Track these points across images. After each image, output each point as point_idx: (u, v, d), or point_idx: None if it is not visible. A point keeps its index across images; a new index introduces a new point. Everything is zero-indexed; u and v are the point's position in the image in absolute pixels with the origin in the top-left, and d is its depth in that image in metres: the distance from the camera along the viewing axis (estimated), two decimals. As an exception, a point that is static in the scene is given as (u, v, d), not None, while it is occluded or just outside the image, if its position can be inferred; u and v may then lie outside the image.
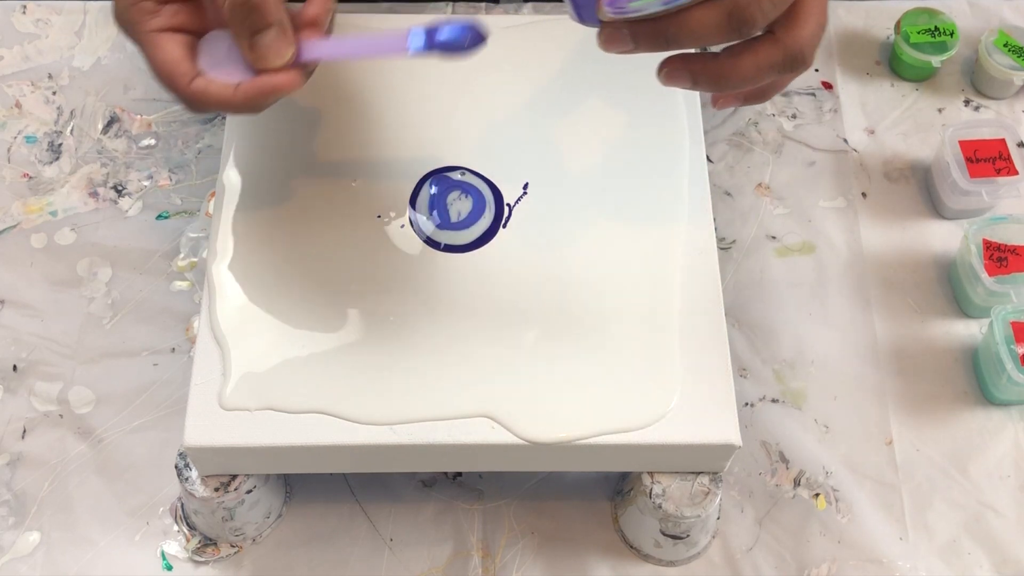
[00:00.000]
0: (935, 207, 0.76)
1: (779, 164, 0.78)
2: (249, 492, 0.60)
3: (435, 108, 0.67)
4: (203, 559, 0.64)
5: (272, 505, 0.64)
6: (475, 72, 0.68)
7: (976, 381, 0.70)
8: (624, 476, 0.65)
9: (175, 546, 0.64)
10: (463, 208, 0.63)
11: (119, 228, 0.74)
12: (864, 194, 0.77)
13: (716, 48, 0.50)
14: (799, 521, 0.66)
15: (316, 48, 0.52)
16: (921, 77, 0.81)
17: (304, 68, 0.52)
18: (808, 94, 0.81)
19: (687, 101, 0.68)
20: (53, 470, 0.66)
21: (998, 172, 0.73)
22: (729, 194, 0.77)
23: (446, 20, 0.49)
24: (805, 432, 0.68)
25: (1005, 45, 0.79)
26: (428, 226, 0.63)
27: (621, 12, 0.47)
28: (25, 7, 0.83)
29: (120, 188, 0.76)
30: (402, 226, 0.63)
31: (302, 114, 0.66)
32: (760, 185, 0.77)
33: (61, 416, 0.68)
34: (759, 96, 0.55)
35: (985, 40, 0.79)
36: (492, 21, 0.71)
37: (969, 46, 0.82)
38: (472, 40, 0.49)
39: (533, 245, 0.62)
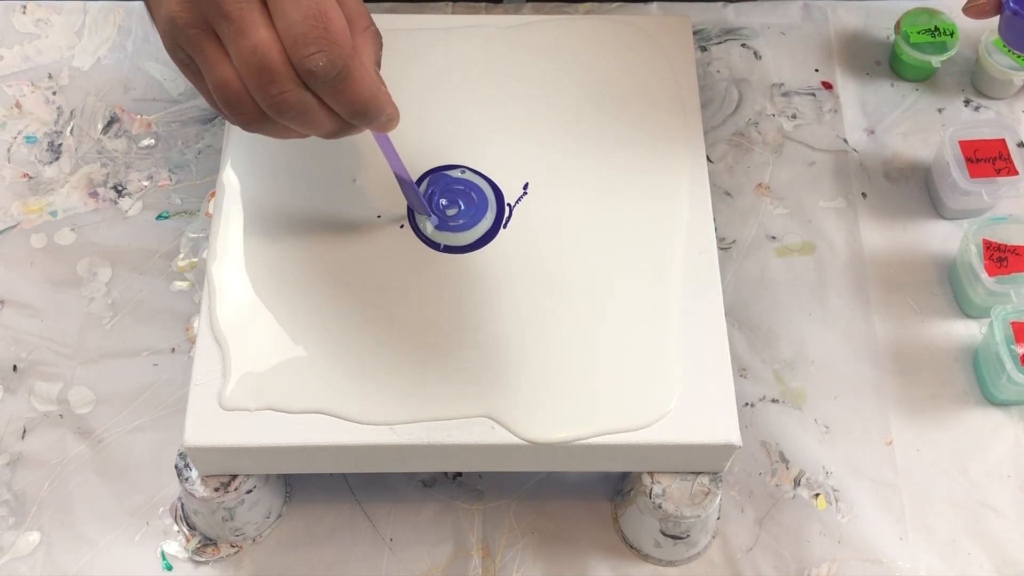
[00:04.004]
0: (935, 207, 0.76)
1: (779, 164, 0.78)
2: (249, 492, 0.60)
3: (435, 108, 0.67)
4: (203, 559, 0.64)
5: (272, 505, 0.64)
6: (475, 72, 0.68)
7: (976, 381, 0.70)
8: (624, 476, 0.65)
9: (175, 546, 0.64)
10: (464, 208, 0.63)
11: (119, 228, 0.74)
12: (864, 194, 0.77)
13: None
14: (799, 521, 0.66)
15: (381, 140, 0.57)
16: (921, 77, 0.81)
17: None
18: (808, 94, 0.81)
19: (687, 101, 0.68)
20: (53, 470, 0.66)
21: (998, 172, 0.73)
22: (729, 194, 0.77)
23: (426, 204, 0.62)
24: (805, 432, 0.68)
25: (1005, 45, 0.79)
26: (428, 226, 0.63)
27: None
28: (25, 7, 0.83)
29: (120, 188, 0.76)
30: (401, 226, 0.63)
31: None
32: (760, 185, 0.77)
33: (61, 416, 0.68)
34: None
35: (985, 40, 0.79)
36: (492, 21, 0.71)
37: (969, 46, 0.82)
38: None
39: (533, 245, 0.62)
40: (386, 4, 0.82)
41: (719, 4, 0.84)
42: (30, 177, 0.76)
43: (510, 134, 0.66)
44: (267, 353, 0.59)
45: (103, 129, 0.78)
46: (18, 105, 0.79)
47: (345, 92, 0.48)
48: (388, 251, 0.62)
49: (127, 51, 0.81)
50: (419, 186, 0.64)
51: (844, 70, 0.82)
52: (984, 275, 0.69)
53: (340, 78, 0.48)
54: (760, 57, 0.82)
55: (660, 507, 0.60)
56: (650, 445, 0.57)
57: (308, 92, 0.48)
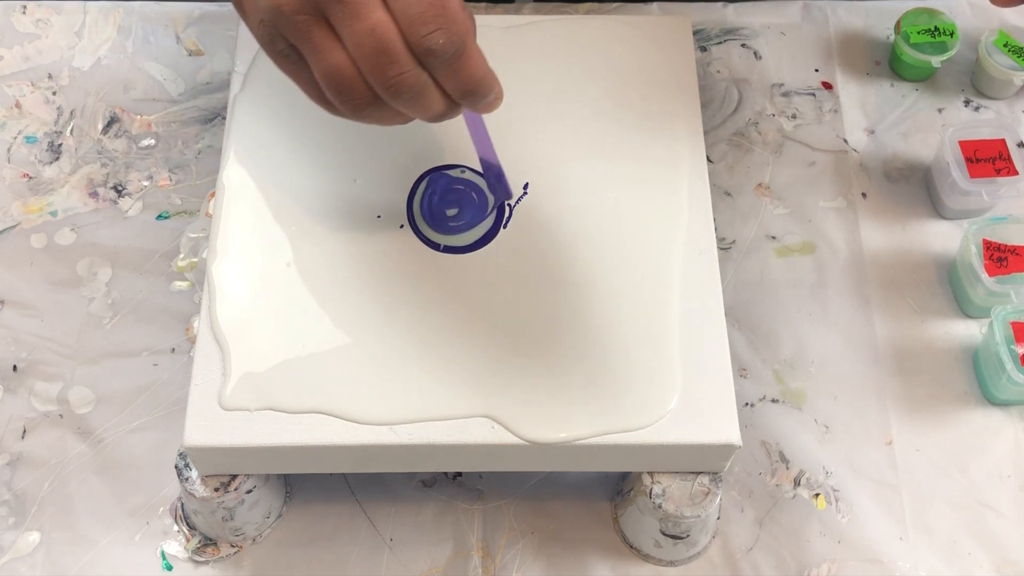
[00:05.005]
0: (935, 207, 0.76)
1: (779, 164, 0.78)
2: (249, 492, 0.60)
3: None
4: (203, 559, 0.64)
5: (272, 505, 0.64)
6: (475, 72, 0.68)
7: (976, 381, 0.70)
8: (624, 476, 0.65)
9: (175, 546, 0.65)
10: (464, 208, 0.63)
11: (119, 228, 0.74)
12: (864, 194, 0.77)
13: None
14: (799, 521, 0.66)
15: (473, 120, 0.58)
16: (921, 77, 0.81)
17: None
18: (808, 94, 0.81)
19: (687, 101, 0.68)
20: (53, 470, 0.66)
21: (998, 172, 0.73)
22: (729, 194, 0.77)
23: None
24: (805, 432, 0.68)
25: (1005, 45, 0.79)
26: (427, 226, 0.63)
27: None
28: (25, 7, 0.83)
29: (120, 188, 0.76)
30: (401, 226, 0.63)
31: (302, 113, 0.66)
32: (760, 185, 0.77)
33: (61, 416, 0.68)
34: None
35: (985, 40, 0.79)
36: (492, 21, 0.71)
37: (969, 46, 0.82)
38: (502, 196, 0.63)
39: (533, 245, 0.62)
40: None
41: (719, 4, 0.84)
42: (30, 177, 0.76)
43: (510, 134, 0.66)
44: (267, 353, 0.59)
45: (103, 129, 0.78)
46: (18, 105, 0.79)
47: (462, 71, 0.48)
48: (388, 251, 0.62)
49: (127, 51, 0.81)
50: (418, 186, 0.64)
51: (844, 70, 0.82)
52: (984, 275, 0.69)
53: (458, 56, 0.47)
54: (760, 57, 0.82)
55: (660, 507, 0.60)
56: (650, 445, 0.57)
57: (424, 72, 0.48)
